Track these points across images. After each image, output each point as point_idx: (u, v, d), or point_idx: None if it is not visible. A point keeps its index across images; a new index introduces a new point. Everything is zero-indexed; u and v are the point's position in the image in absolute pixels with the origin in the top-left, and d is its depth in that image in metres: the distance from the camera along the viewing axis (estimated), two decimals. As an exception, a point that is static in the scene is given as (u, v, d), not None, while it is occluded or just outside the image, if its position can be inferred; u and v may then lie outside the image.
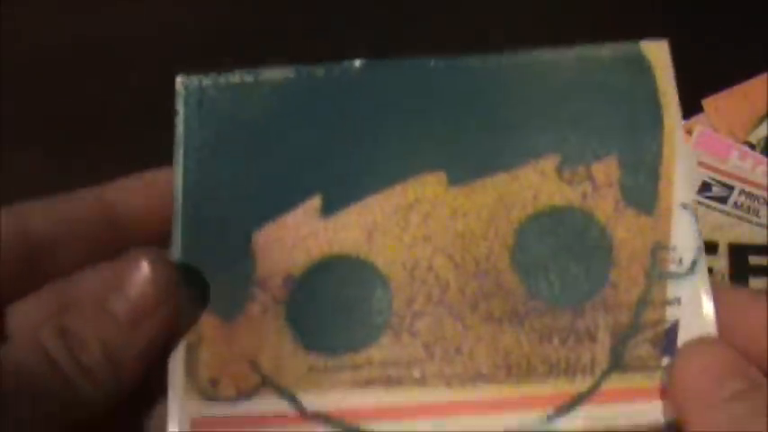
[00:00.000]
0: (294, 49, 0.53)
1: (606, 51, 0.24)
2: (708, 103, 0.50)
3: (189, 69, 0.56)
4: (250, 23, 0.54)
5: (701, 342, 0.22)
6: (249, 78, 0.26)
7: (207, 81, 0.26)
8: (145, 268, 0.20)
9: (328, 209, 0.23)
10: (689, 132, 0.49)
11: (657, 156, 0.22)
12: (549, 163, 0.22)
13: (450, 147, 0.23)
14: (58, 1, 0.55)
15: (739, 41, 0.52)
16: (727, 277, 0.43)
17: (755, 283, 0.43)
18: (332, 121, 0.24)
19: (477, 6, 0.55)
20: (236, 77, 0.26)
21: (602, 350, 0.21)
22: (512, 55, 0.24)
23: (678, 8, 0.54)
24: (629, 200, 0.22)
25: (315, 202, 0.23)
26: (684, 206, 0.22)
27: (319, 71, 0.25)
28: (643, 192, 0.22)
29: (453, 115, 0.23)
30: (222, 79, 0.26)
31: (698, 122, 0.49)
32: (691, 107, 0.50)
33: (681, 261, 0.22)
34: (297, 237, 0.23)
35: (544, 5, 0.55)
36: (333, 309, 0.22)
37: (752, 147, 0.48)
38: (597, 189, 0.22)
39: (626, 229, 0.22)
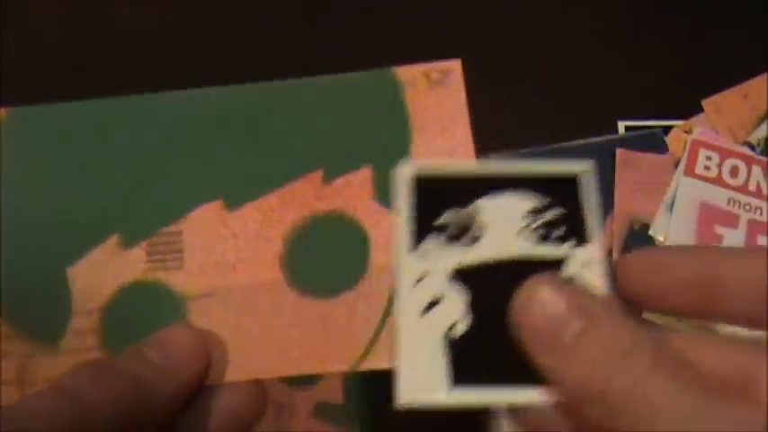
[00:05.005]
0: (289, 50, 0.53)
1: (363, 77, 0.27)
2: (708, 103, 0.50)
3: (188, 69, 0.56)
4: (250, 23, 0.54)
5: (535, 283, 0.20)
6: (65, 110, 0.28)
7: (30, 112, 0.28)
8: (182, 332, 0.24)
9: (127, 243, 0.26)
10: (689, 132, 0.49)
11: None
12: (315, 177, 0.26)
13: (228, 174, 0.26)
14: (57, 3, 0.55)
15: (739, 41, 0.52)
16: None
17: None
18: (125, 156, 0.26)
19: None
20: (55, 110, 0.28)
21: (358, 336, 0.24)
22: (280, 83, 0.27)
23: (678, 8, 0.54)
24: (382, 202, 0.25)
25: (114, 239, 0.26)
26: None
27: (112, 104, 0.27)
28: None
29: (230, 142, 0.26)
30: (43, 110, 0.28)
31: (698, 122, 0.49)
32: (691, 107, 0.50)
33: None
34: (102, 270, 0.25)
35: (552, 9, 0.55)
36: (139, 330, 0.25)
37: (752, 147, 0.48)
38: (356, 194, 0.26)
39: (378, 224, 0.25)
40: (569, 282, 0.21)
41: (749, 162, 0.48)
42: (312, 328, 0.24)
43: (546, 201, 0.24)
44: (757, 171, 0.47)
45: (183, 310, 0.25)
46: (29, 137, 0.27)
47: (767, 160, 0.47)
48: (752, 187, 0.47)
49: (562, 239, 0.23)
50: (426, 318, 0.23)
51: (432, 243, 0.24)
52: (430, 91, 0.26)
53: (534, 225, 0.24)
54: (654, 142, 0.49)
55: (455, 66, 0.27)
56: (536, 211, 0.24)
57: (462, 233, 0.24)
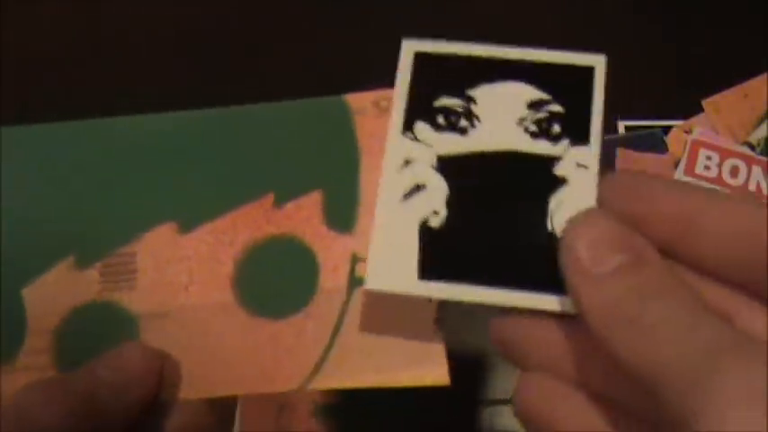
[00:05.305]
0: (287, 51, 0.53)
1: (315, 103, 0.27)
2: (708, 103, 0.50)
3: (188, 69, 0.56)
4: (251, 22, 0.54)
5: (587, 213, 0.21)
6: (19, 132, 0.27)
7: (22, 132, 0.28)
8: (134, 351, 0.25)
9: (81, 264, 0.26)
10: (689, 132, 0.49)
11: (355, 187, 0.26)
12: (267, 200, 0.26)
13: (182, 197, 0.26)
14: (57, 3, 0.55)
15: (739, 41, 0.52)
16: None
17: None
18: (81, 178, 0.27)
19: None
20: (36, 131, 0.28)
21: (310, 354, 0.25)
22: (233, 109, 0.27)
23: (678, 9, 0.54)
24: (331, 226, 0.26)
25: (69, 260, 0.26)
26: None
27: (68, 127, 0.27)
28: (343, 216, 0.26)
29: (184, 166, 0.27)
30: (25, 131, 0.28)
31: (698, 122, 0.49)
32: (691, 107, 0.50)
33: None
34: (57, 290, 0.26)
35: (551, 9, 0.55)
36: (93, 349, 0.25)
37: (752, 147, 0.48)
38: (306, 218, 0.26)
39: (328, 248, 0.25)
40: (624, 222, 0.20)
41: (749, 162, 0.48)
42: (262, 348, 0.25)
43: (549, 93, 0.23)
44: (757, 171, 0.47)
45: (136, 330, 0.25)
46: None
47: (767, 160, 0.47)
48: (752, 187, 0.47)
49: (559, 137, 0.23)
50: (406, 203, 0.22)
51: (425, 127, 0.23)
52: (379, 118, 0.26)
53: (532, 118, 0.23)
54: (654, 142, 0.49)
55: None
56: (537, 104, 0.23)
57: (457, 120, 0.23)
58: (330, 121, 0.27)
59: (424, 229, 0.22)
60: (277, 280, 0.26)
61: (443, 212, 0.22)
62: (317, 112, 0.27)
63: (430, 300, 0.23)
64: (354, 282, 0.25)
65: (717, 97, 0.50)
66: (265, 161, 0.26)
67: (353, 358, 0.24)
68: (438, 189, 0.22)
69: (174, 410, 0.25)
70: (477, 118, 0.23)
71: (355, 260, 0.25)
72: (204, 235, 0.26)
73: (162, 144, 0.27)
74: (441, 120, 0.23)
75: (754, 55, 0.51)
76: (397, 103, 0.24)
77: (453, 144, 0.23)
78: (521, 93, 0.23)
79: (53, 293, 0.26)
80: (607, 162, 0.48)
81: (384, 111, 0.26)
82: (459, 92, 0.23)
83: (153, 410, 0.24)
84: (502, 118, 0.23)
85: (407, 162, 0.23)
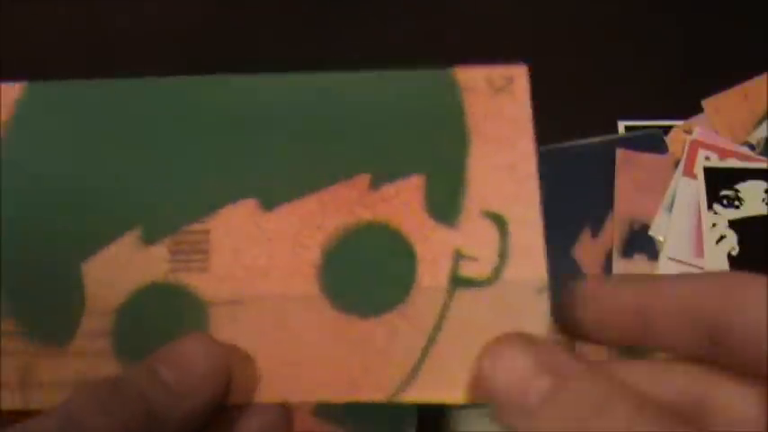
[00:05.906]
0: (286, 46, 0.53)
1: (418, 76, 0.24)
2: (708, 103, 0.50)
3: (187, 69, 0.56)
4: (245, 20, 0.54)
5: (500, 342, 0.20)
6: (90, 87, 0.24)
7: (50, 87, 0.24)
8: (199, 346, 0.22)
9: (149, 239, 0.23)
10: (689, 132, 0.49)
11: (462, 174, 0.23)
12: (362, 181, 0.23)
13: (266, 171, 0.23)
14: (56, 3, 0.55)
15: (739, 41, 0.52)
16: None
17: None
18: (154, 142, 0.24)
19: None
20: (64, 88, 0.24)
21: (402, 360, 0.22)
22: (326, 75, 0.24)
23: (678, 8, 0.54)
24: (432, 213, 0.23)
25: (135, 232, 0.23)
26: (490, 218, 0.23)
27: (144, 84, 0.24)
28: (446, 206, 0.23)
29: (271, 136, 0.24)
30: (64, 87, 0.24)
31: (698, 122, 0.49)
32: (691, 107, 0.50)
33: (482, 269, 0.22)
34: (120, 267, 0.23)
35: (551, 9, 0.55)
36: (156, 336, 0.22)
37: (752, 147, 0.48)
38: (404, 204, 0.23)
39: (427, 240, 0.23)
40: (537, 339, 0.20)
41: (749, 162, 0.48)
42: (348, 349, 0.22)
43: None
44: (757, 171, 0.47)
45: (206, 319, 0.22)
46: (47, 115, 0.24)
47: (767, 160, 0.47)
48: (751, 187, 0.47)
49: None
50: (718, 246, 0.45)
51: (719, 206, 0.45)
52: (491, 98, 0.24)
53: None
54: (654, 142, 0.49)
55: (521, 72, 0.24)
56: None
57: (732, 200, 0.45)
58: (436, 98, 0.24)
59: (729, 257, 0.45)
60: (369, 272, 0.22)
61: (736, 248, 0.45)
62: (422, 85, 0.24)
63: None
64: (457, 281, 0.22)
65: (717, 97, 0.50)
66: (361, 136, 0.23)
67: (452, 370, 0.21)
68: (733, 236, 0.44)
69: (242, 415, 0.22)
70: (743, 199, 0.46)
71: (459, 257, 0.22)
72: (289, 215, 0.23)
73: (248, 108, 0.24)
74: (727, 200, 0.46)
75: (754, 55, 0.51)
76: (702, 198, 0.46)
77: (733, 213, 0.44)
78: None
79: (116, 270, 0.23)
80: (607, 162, 0.48)
81: (499, 90, 0.24)
82: (732, 186, 0.46)
83: (218, 417, 0.22)
84: (755, 198, 0.46)
85: (714, 225, 0.45)
